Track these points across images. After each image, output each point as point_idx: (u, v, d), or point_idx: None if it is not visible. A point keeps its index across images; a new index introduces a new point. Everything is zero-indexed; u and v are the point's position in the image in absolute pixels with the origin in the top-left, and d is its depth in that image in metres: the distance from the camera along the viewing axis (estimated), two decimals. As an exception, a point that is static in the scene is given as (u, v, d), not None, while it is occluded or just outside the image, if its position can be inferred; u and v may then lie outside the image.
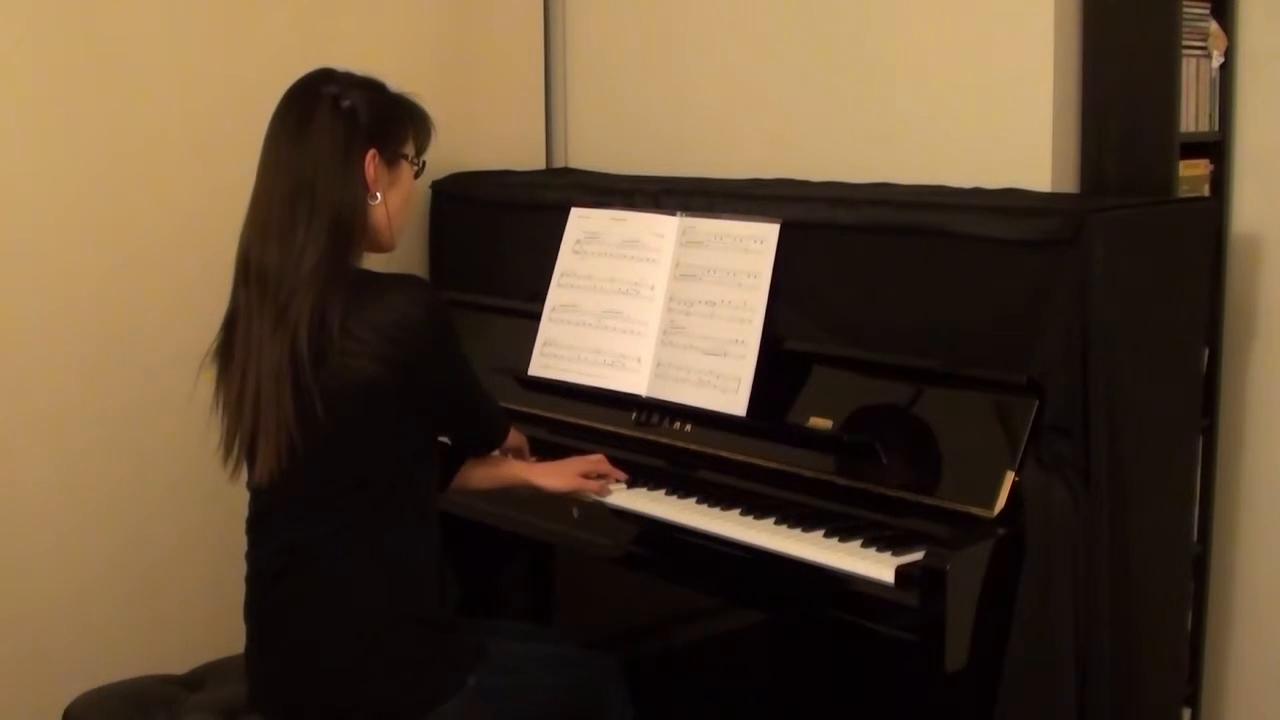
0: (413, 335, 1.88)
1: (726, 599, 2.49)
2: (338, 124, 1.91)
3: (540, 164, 3.23)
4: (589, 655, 2.22)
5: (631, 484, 2.32)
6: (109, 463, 2.61)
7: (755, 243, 2.34)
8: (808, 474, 2.19)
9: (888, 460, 2.10)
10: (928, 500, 2.05)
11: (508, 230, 2.81)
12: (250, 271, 1.90)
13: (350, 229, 1.91)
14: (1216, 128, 2.51)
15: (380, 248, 2.02)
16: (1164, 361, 2.23)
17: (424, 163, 2.07)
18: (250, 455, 1.93)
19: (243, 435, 1.92)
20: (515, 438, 2.30)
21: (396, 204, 2.00)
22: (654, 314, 2.45)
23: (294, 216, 1.88)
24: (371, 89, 1.98)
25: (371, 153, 1.93)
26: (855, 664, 2.35)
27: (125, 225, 2.59)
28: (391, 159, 1.98)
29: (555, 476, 2.26)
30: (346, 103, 1.92)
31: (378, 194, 1.95)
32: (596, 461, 2.31)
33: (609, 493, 2.28)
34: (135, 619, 2.66)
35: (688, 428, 2.36)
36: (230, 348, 1.94)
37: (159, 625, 2.68)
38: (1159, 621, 2.31)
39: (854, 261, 2.26)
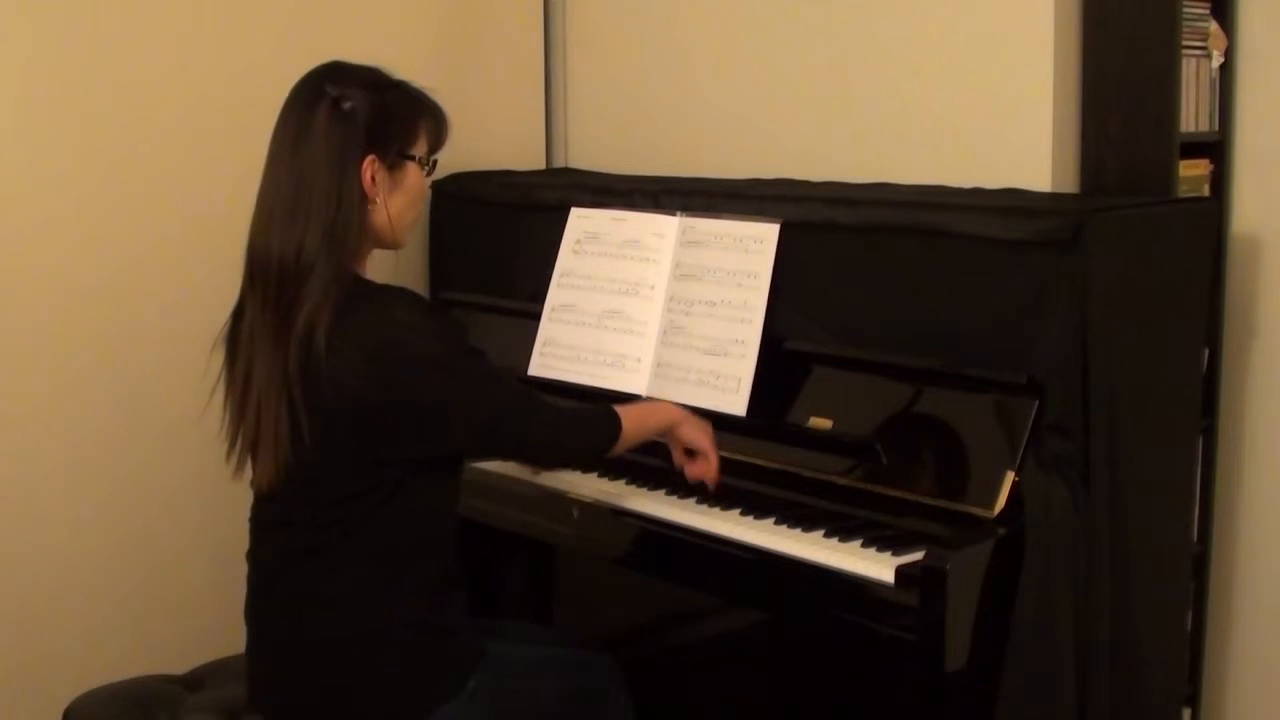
0: (396, 354, 1.84)
1: (726, 599, 2.49)
2: (335, 128, 1.88)
3: (540, 164, 3.23)
4: (589, 656, 2.22)
5: (631, 484, 2.32)
6: (110, 463, 2.62)
7: (755, 243, 2.34)
8: (808, 474, 2.19)
9: (887, 460, 2.10)
10: (928, 500, 2.05)
11: (508, 230, 2.81)
12: (255, 268, 1.90)
13: (346, 234, 1.89)
14: (1216, 128, 2.51)
15: (387, 246, 2.00)
16: (1164, 361, 2.23)
17: (435, 162, 2.02)
18: (253, 455, 1.93)
19: (245, 434, 1.93)
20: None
21: (399, 207, 1.96)
22: (654, 314, 2.45)
23: (293, 218, 1.87)
24: (378, 88, 1.94)
25: (369, 158, 1.90)
26: (855, 664, 2.35)
27: (130, 226, 2.60)
28: (394, 162, 1.94)
29: (695, 425, 2.20)
30: (348, 104, 1.89)
31: (376, 199, 1.92)
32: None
33: (714, 481, 2.21)
34: (135, 619, 2.66)
35: (688, 428, 2.36)
36: (237, 337, 1.95)
37: (159, 625, 2.68)
38: (1159, 621, 2.31)
39: (854, 261, 2.26)
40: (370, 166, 1.91)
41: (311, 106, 1.90)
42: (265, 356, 1.86)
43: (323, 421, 1.85)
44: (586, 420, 2.10)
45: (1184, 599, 2.47)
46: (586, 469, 2.36)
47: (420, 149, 1.98)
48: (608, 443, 2.09)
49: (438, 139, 2.02)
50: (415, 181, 1.99)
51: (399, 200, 1.96)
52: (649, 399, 2.31)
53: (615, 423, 2.08)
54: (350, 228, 1.89)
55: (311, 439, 1.85)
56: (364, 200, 1.91)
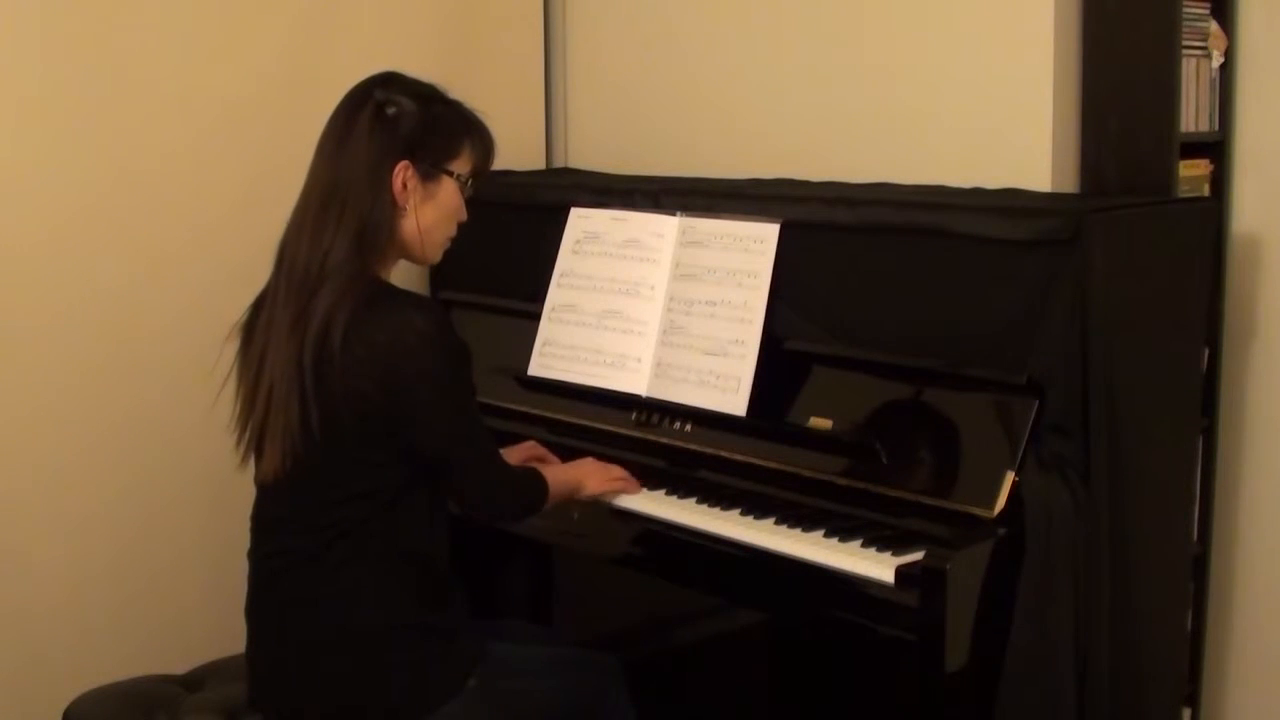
0: (404, 361, 1.85)
1: (726, 599, 2.49)
2: (375, 130, 1.91)
3: (540, 164, 3.23)
4: (589, 656, 2.22)
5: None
6: (111, 463, 2.61)
7: (755, 243, 2.34)
8: (808, 474, 2.19)
9: (888, 460, 2.10)
10: (928, 500, 2.05)
11: (508, 230, 2.80)
12: (284, 261, 1.93)
13: (375, 239, 1.91)
14: (1216, 128, 2.51)
15: (414, 259, 2.02)
16: (1164, 362, 2.23)
17: (473, 185, 2.03)
18: (259, 447, 1.94)
19: (254, 424, 1.94)
20: (533, 449, 2.32)
21: (430, 220, 1.97)
22: (654, 314, 2.45)
23: (326, 217, 1.90)
24: (427, 100, 1.96)
25: (402, 164, 1.92)
26: (855, 664, 2.35)
27: (135, 232, 2.60)
28: (429, 173, 1.96)
29: (597, 479, 2.24)
30: (391, 110, 1.92)
31: (406, 206, 1.94)
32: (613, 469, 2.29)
33: (635, 491, 2.26)
34: (135, 619, 2.66)
35: (688, 428, 2.36)
36: (254, 329, 1.96)
37: (159, 625, 2.68)
38: (1159, 621, 2.31)
39: (854, 261, 2.26)
40: (403, 172, 1.93)
41: (358, 109, 1.93)
42: (280, 345, 1.88)
43: (330, 416, 1.86)
44: (524, 490, 2.12)
45: (1184, 599, 2.47)
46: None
47: (461, 166, 2.00)
48: (532, 512, 2.13)
49: (483, 162, 2.04)
50: (449, 197, 2.00)
51: (430, 213, 1.97)
52: (566, 465, 2.30)
53: (543, 495, 2.12)
54: (379, 231, 1.92)
55: (320, 432, 1.85)
56: (394, 206, 1.93)
